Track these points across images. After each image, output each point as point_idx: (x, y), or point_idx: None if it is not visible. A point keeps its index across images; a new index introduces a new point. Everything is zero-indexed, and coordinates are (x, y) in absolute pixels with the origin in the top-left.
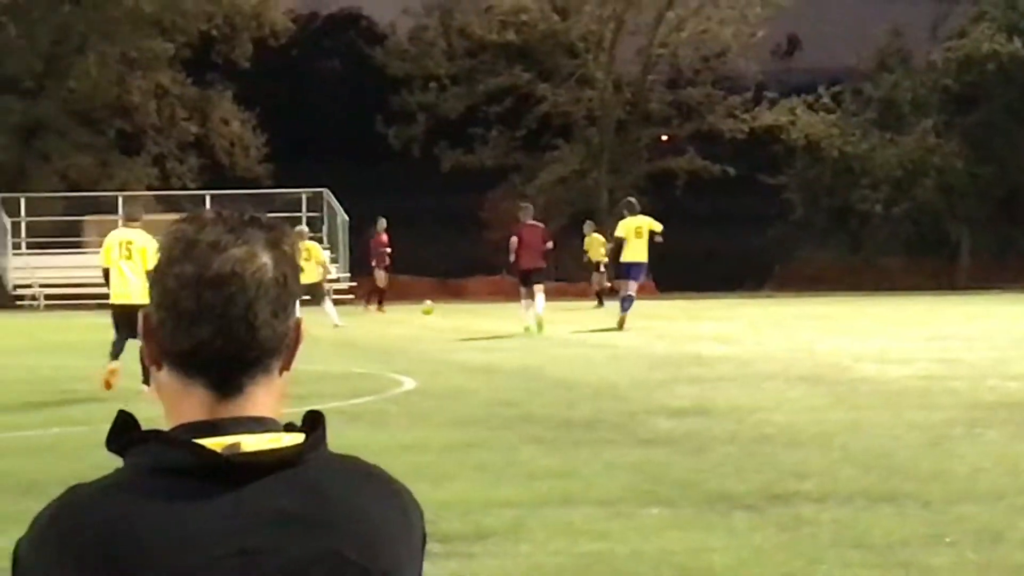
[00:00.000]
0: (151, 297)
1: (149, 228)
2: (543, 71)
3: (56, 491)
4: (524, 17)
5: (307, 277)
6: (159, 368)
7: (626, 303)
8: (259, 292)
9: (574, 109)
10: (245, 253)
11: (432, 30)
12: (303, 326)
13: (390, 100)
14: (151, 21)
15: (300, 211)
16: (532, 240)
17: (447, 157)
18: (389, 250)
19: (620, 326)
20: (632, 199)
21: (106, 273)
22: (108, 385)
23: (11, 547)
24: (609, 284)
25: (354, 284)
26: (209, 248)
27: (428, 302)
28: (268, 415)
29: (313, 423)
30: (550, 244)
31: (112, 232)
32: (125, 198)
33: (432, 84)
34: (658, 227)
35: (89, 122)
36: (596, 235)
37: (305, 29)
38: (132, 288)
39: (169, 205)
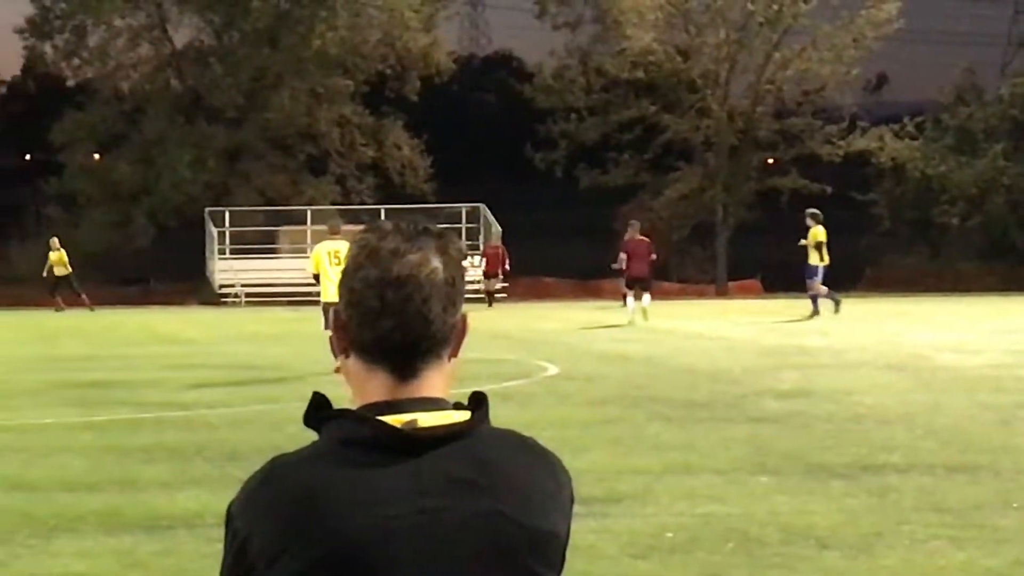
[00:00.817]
0: (340, 296)
1: (338, 237)
2: (667, 104)
3: (255, 458)
4: (651, 58)
5: None
6: (347, 356)
7: (824, 297)
8: (432, 291)
9: (693, 136)
10: (420, 258)
11: (573, 69)
12: (468, 320)
13: (537, 129)
14: (335, 62)
15: (460, 223)
16: (639, 252)
17: (585, 177)
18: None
19: (837, 309)
20: (818, 211)
21: (316, 277)
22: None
23: (218, 503)
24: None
25: (505, 284)
26: (390, 254)
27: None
28: (440, 396)
29: (478, 402)
30: (654, 256)
31: (321, 243)
32: (313, 212)
33: (573, 115)
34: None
35: (283, 147)
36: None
37: (465, 68)
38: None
39: (350, 218)
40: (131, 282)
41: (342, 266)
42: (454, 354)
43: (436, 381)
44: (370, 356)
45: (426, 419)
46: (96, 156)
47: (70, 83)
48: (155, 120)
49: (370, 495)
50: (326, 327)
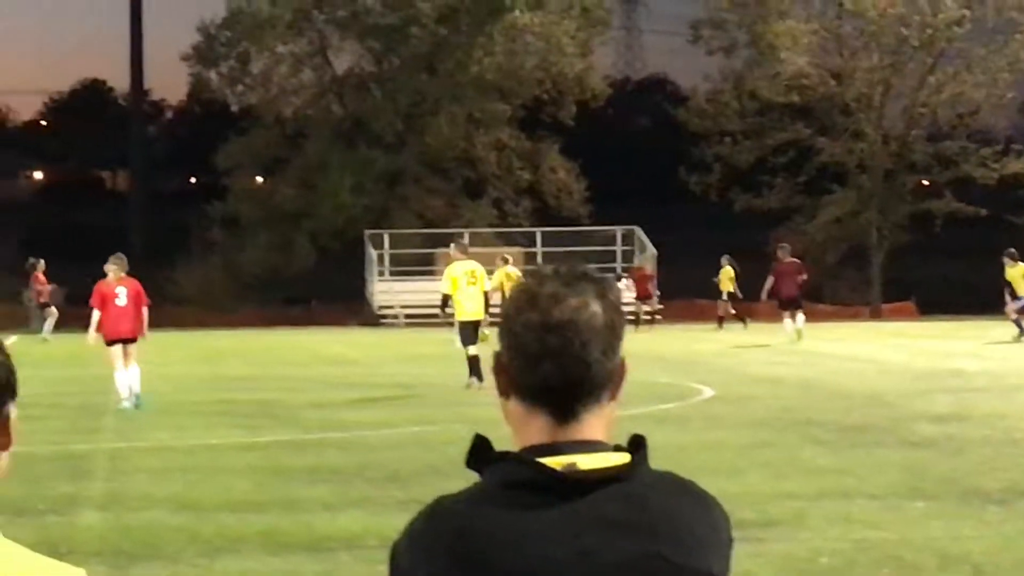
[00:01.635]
0: (501, 340)
1: (492, 258)
2: (821, 127)
3: (414, 480)
4: (805, 81)
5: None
6: (508, 399)
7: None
8: (591, 335)
9: (848, 159)
10: (579, 303)
11: (727, 93)
12: (627, 363)
13: (691, 152)
14: (492, 87)
15: (615, 245)
16: (789, 273)
17: (739, 200)
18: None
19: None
20: (1013, 250)
21: (446, 298)
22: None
23: (379, 524)
24: (733, 312)
25: (661, 307)
26: (549, 299)
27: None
28: (599, 438)
29: (637, 445)
30: (804, 276)
31: (454, 264)
32: (471, 234)
33: (726, 138)
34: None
35: (441, 171)
36: (729, 267)
37: (620, 92)
38: (476, 307)
39: (506, 240)
40: (293, 303)
41: (477, 285)
42: (613, 397)
43: (595, 423)
44: (531, 399)
45: (586, 462)
46: (259, 180)
47: (234, 109)
48: (316, 144)
49: (531, 537)
50: (463, 344)
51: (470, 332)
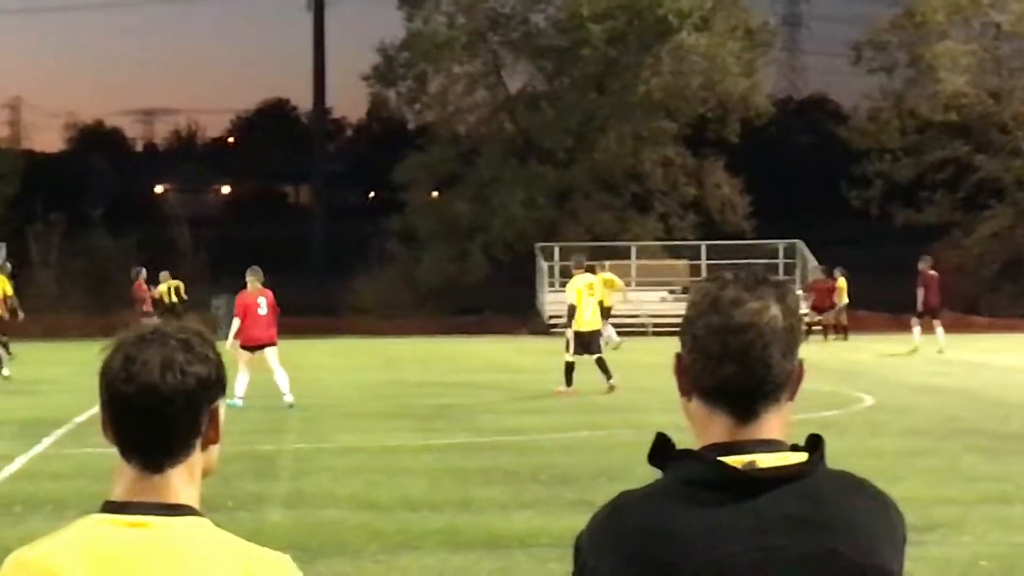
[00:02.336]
0: (683, 342)
1: (660, 271)
2: (979, 145)
3: (585, 482)
4: (964, 100)
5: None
6: (689, 399)
7: None
8: (772, 338)
9: (1005, 175)
10: (760, 306)
11: (887, 111)
12: (804, 365)
13: (851, 168)
14: (659, 106)
15: (778, 259)
16: (933, 284)
17: (899, 215)
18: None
19: None
20: None
21: (572, 308)
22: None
23: (552, 524)
24: (844, 323)
25: (819, 318)
26: (731, 303)
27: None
28: (778, 438)
29: (815, 444)
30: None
31: (576, 278)
32: (638, 247)
33: (887, 155)
34: None
35: (609, 187)
36: (843, 279)
37: (783, 111)
38: (593, 318)
39: (672, 253)
40: (466, 312)
41: (593, 297)
42: (791, 397)
43: (774, 423)
44: (712, 399)
45: (765, 460)
46: (435, 194)
47: (411, 126)
48: (490, 161)
49: (710, 533)
50: (574, 352)
51: (584, 342)
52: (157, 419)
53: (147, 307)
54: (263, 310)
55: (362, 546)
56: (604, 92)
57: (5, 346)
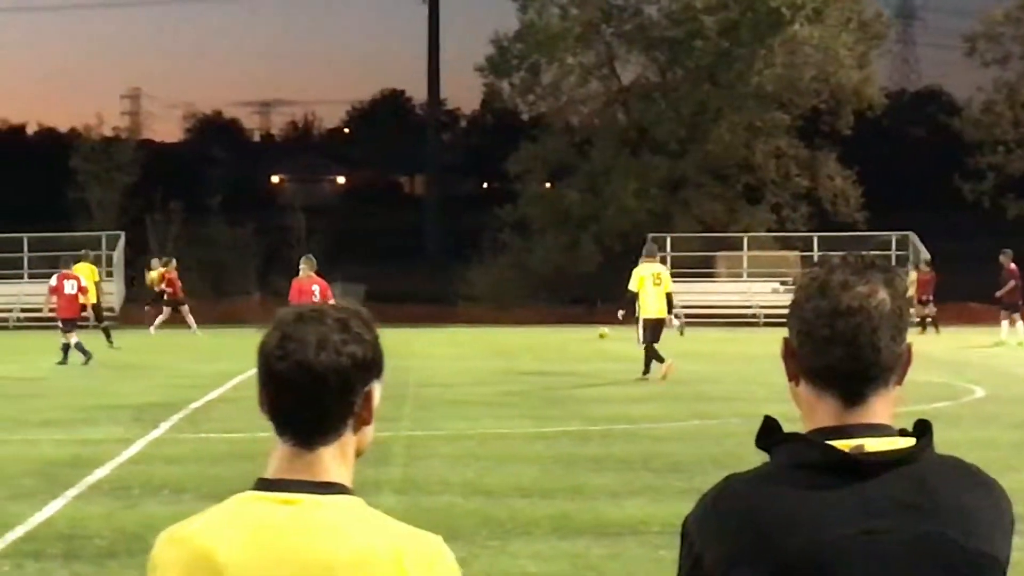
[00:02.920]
0: (790, 326)
1: (771, 262)
2: None
3: (696, 470)
4: None
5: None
6: (797, 383)
7: None
8: (880, 321)
9: None
10: (868, 290)
11: (1000, 104)
12: (913, 349)
13: (965, 161)
14: (772, 97)
15: (890, 250)
16: (1015, 277)
17: (1012, 207)
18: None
19: None
20: None
21: (633, 297)
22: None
23: (663, 511)
24: (930, 317)
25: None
26: (839, 287)
27: (604, 328)
28: (885, 422)
29: (923, 429)
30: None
31: (642, 266)
32: (749, 238)
33: (1000, 147)
34: None
35: (721, 177)
36: (914, 273)
37: (896, 102)
38: (659, 307)
39: (784, 244)
40: (578, 302)
41: (661, 286)
42: (899, 382)
43: (881, 407)
44: (820, 383)
45: (873, 444)
46: (547, 184)
47: (524, 117)
48: (602, 151)
49: (818, 516)
50: (642, 341)
51: (650, 330)
52: (310, 397)
53: (176, 294)
54: (317, 296)
55: (473, 532)
56: (717, 83)
57: (107, 332)
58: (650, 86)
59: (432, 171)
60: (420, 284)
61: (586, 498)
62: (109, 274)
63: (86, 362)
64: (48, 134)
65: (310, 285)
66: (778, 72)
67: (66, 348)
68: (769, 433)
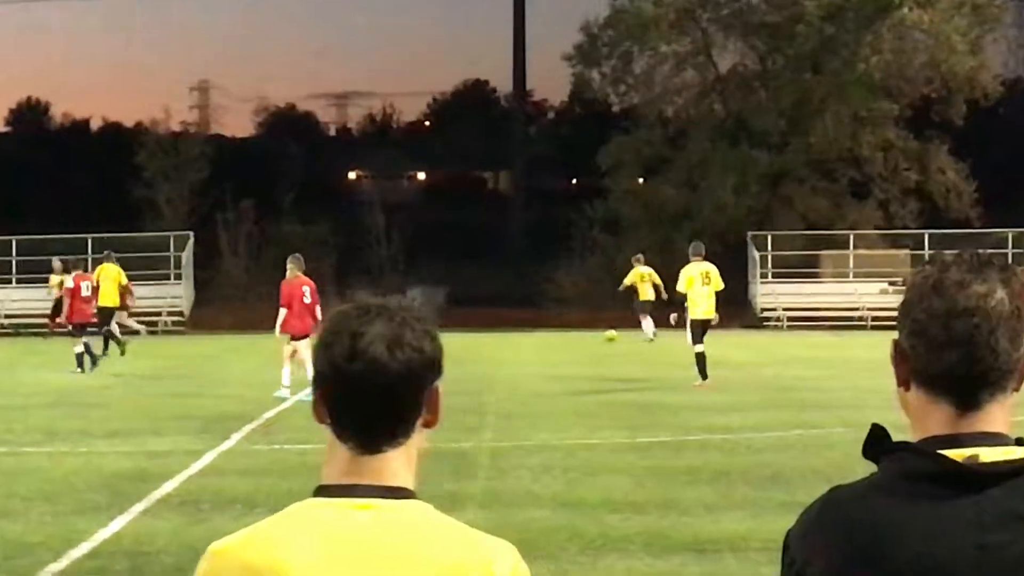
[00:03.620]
0: (901, 328)
1: (879, 261)
2: None
3: (797, 483)
4: None
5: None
6: (907, 389)
7: None
8: (998, 323)
9: None
10: (986, 289)
11: None
12: None
13: None
14: (879, 86)
15: (1006, 248)
16: None
17: None
18: None
19: None
20: None
21: (683, 296)
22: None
23: (763, 527)
24: None
25: None
26: (955, 286)
27: (612, 332)
28: (1001, 430)
29: None
30: None
31: (690, 265)
32: (855, 236)
33: None
34: None
35: (825, 171)
36: None
37: (1012, 91)
38: (709, 306)
39: (893, 242)
40: (673, 304)
41: (711, 285)
42: (1016, 388)
43: (998, 415)
44: (933, 388)
45: (988, 454)
46: (640, 180)
47: (616, 108)
48: (698, 144)
49: (929, 529)
50: (693, 343)
51: (700, 330)
52: (383, 398)
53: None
54: (308, 299)
55: (561, 548)
56: (820, 71)
57: (115, 338)
58: (749, 75)
59: (517, 166)
60: (504, 286)
61: (681, 512)
62: (178, 276)
63: (84, 371)
64: (113, 129)
65: (300, 286)
66: (886, 59)
67: (81, 356)
68: (877, 442)
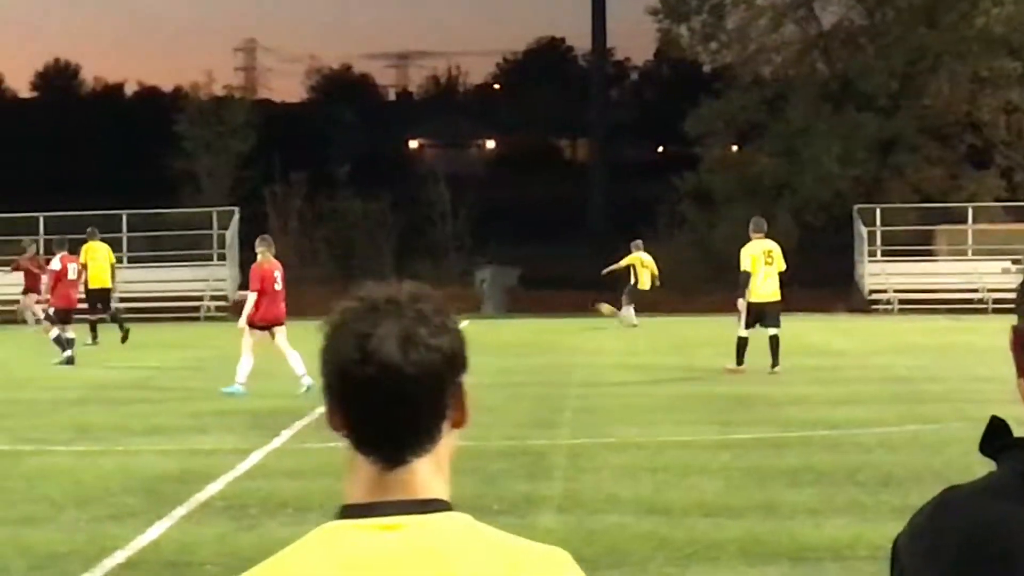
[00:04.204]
0: (1022, 313)
1: (1002, 237)
2: None
3: (910, 484)
4: None
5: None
6: None
7: None
8: None
9: None
10: None
11: None
12: None
13: None
14: (1001, 42)
15: None
16: None
17: None
18: None
19: None
20: None
21: (746, 277)
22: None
23: (872, 533)
24: None
25: None
26: None
27: (605, 305)
28: None
29: None
30: None
31: (752, 243)
32: (975, 209)
33: None
34: None
35: (941, 137)
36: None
37: None
38: (771, 288)
39: (1017, 216)
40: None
41: (774, 265)
42: None
43: None
44: None
45: None
46: (734, 148)
47: (706, 68)
48: (799, 108)
49: None
50: (745, 325)
51: (755, 315)
52: (400, 404)
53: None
54: (279, 284)
55: (647, 556)
56: (935, 26)
57: (120, 320)
58: (855, 30)
59: (598, 133)
60: (583, 266)
61: (781, 517)
62: (221, 257)
63: (63, 362)
64: (149, 94)
65: (272, 271)
66: (1009, 11)
67: (59, 339)
68: (996, 437)
